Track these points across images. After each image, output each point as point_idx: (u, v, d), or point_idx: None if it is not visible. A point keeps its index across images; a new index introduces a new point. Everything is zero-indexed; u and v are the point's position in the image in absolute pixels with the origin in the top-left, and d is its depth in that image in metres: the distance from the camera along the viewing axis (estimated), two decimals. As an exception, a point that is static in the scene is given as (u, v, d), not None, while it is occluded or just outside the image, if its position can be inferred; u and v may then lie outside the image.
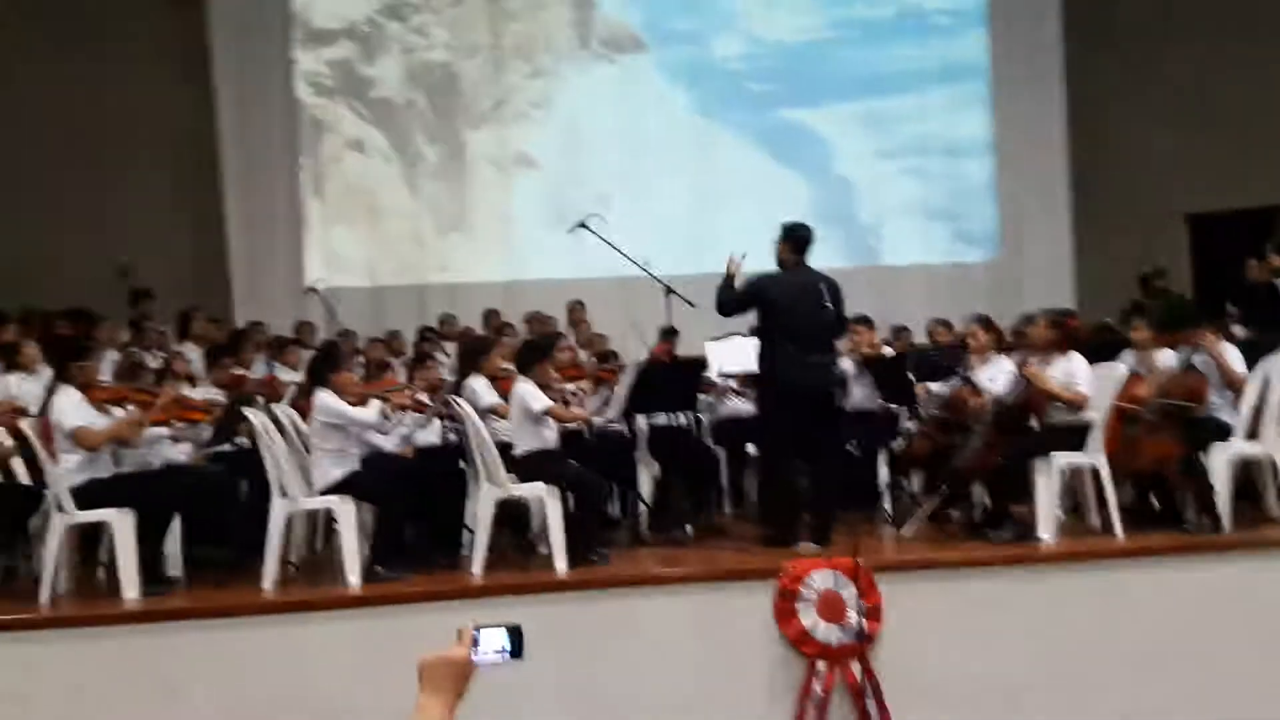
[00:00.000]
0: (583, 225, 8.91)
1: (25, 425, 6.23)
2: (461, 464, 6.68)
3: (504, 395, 6.85)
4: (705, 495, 7.73)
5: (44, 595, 5.87)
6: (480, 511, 6.30)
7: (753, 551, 6.54)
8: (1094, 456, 6.54)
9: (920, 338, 9.37)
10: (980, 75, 12.95)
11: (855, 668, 5.73)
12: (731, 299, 6.67)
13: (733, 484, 8.15)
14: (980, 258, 12.89)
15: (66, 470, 5.96)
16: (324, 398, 6.28)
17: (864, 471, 7.61)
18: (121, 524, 5.91)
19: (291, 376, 8.40)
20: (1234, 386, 6.80)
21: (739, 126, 12.77)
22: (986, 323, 7.54)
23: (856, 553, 5.79)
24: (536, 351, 6.92)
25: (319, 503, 6.30)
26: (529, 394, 6.54)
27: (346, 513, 6.13)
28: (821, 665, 5.74)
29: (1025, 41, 12.86)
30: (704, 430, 7.98)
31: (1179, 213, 12.21)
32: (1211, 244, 11.70)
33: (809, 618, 5.78)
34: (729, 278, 6.67)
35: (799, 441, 6.56)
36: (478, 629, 2.23)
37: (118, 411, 6.23)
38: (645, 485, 7.41)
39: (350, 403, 6.31)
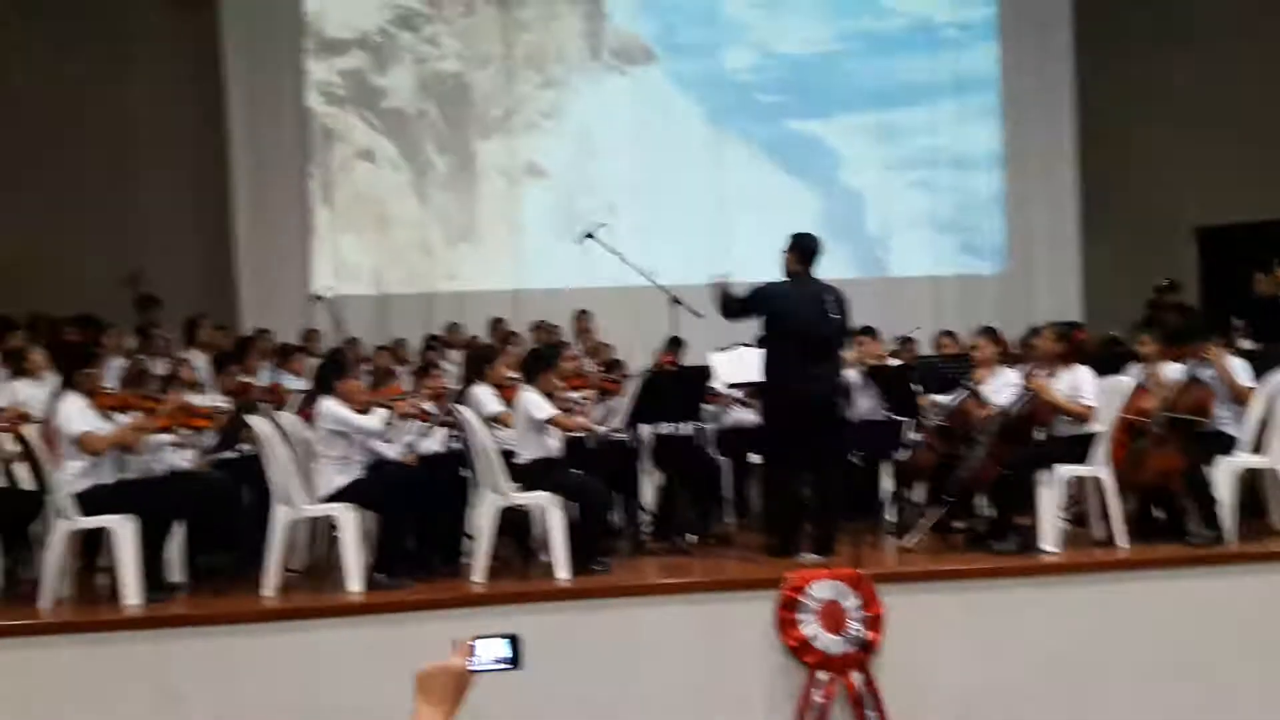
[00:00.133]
0: (589, 235, 8.91)
1: (29, 431, 6.25)
2: (464, 472, 6.68)
3: (508, 404, 6.86)
4: (708, 505, 7.72)
5: (45, 600, 5.89)
6: (483, 520, 6.30)
7: (755, 561, 6.53)
8: (1098, 468, 6.52)
9: (927, 349, 9.35)
10: (990, 88, 12.93)
11: (856, 678, 5.72)
12: (734, 302, 6.67)
13: (736, 494, 8.14)
14: (988, 270, 12.86)
15: (70, 476, 5.98)
16: (329, 405, 6.29)
17: (867, 482, 7.60)
18: (124, 530, 5.92)
19: (297, 384, 8.42)
20: (1240, 400, 6.78)
21: (748, 138, 12.78)
22: (992, 335, 7.53)
23: (859, 563, 5.78)
24: (541, 360, 6.93)
25: (321, 510, 6.31)
26: (533, 403, 6.55)
27: (348, 520, 6.14)
28: (822, 675, 5.73)
29: (1035, 54, 12.83)
30: (708, 440, 7.97)
31: (1188, 226, 12.17)
32: (1220, 257, 11.66)
33: (810, 627, 5.77)
34: (723, 293, 6.66)
35: (802, 451, 6.55)
36: (476, 639, 2.22)
37: (122, 418, 6.25)
38: (648, 494, 7.41)
39: (355, 410, 6.32)
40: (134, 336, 9.01)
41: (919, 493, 7.76)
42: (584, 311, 10.66)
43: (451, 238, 12.48)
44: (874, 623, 5.78)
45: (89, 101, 11.68)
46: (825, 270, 6.82)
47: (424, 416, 6.94)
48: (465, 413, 6.53)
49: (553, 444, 6.63)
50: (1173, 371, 6.96)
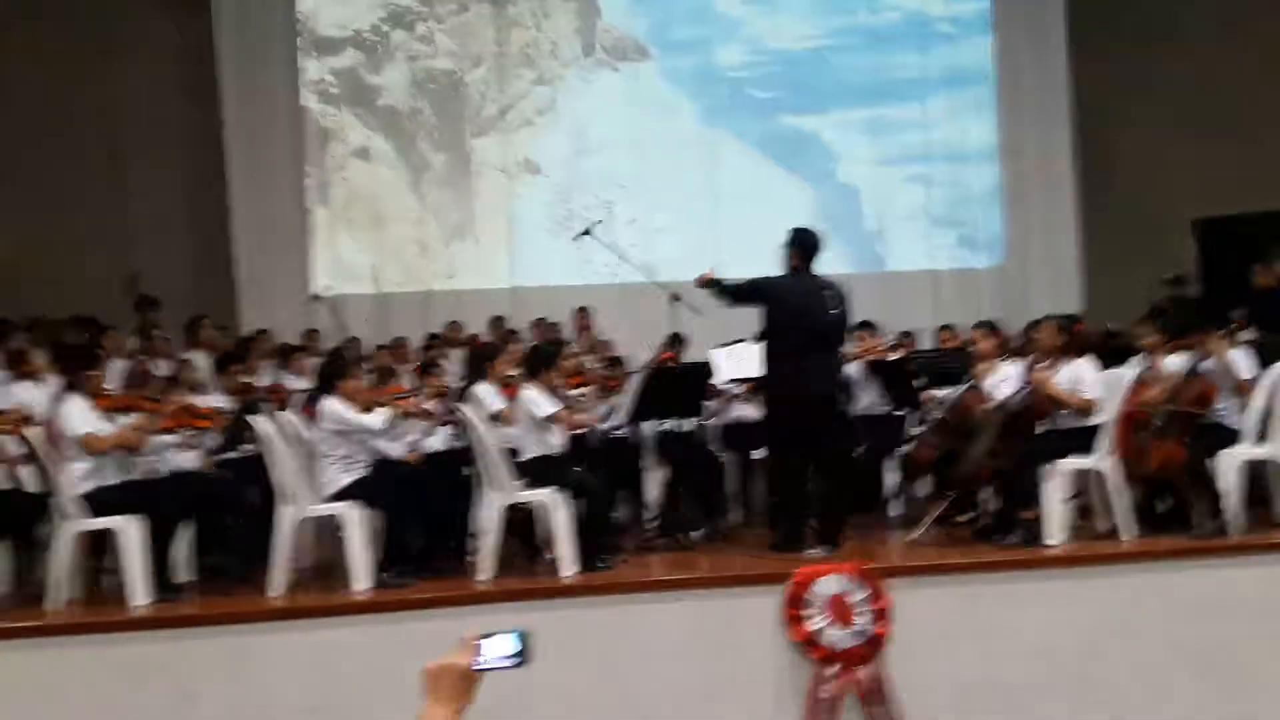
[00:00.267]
0: (586, 233, 8.92)
1: (32, 433, 6.24)
2: (468, 470, 6.68)
3: (510, 401, 6.86)
4: (712, 501, 7.73)
5: (53, 602, 5.88)
6: (487, 517, 6.30)
7: (760, 557, 6.53)
8: (1102, 460, 6.54)
9: (926, 344, 9.37)
10: (985, 81, 12.94)
11: (864, 672, 5.72)
12: (732, 291, 6.65)
13: (740, 489, 8.15)
14: (986, 264, 12.88)
15: (75, 478, 5.98)
16: (331, 404, 6.29)
17: (871, 476, 7.61)
18: (130, 531, 5.92)
19: (299, 384, 8.41)
20: (1242, 391, 6.79)
21: (743, 134, 12.78)
22: (990, 328, 7.54)
23: (865, 557, 5.79)
24: (542, 358, 6.93)
25: (326, 509, 6.30)
26: (535, 400, 6.55)
27: (353, 519, 6.14)
28: (830, 670, 5.74)
29: (1030, 47, 12.84)
30: (710, 436, 7.97)
31: (1186, 218, 12.19)
32: (1219, 249, 11.68)
33: (817, 622, 5.77)
34: (716, 284, 6.65)
35: (806, 446, 6.55)
36: (483, 636, 2.22)
37: (125, 419, 6.25)
38: (652, 491, 7.42)
39: (357, 409, 6.32)
40: (134, 338, 8.99)
41: (923, 487, 7.78)
42: (584, 308, 10.67)
43: (448, 235, 12.47)
44: (881, 616, 5.79)
45: (84, 103, 11.65)
46: (823, 266, 6.82)
47: (426, 415, 6.93)
48: (467, 411, 6.53)
49: (555, 441, 6.64)
50: (1174, 363, 6.98)
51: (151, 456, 6.45)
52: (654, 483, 7.43)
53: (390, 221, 12.42)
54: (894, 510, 7.47)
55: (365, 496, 6.24)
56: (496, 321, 10.74)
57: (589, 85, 12.66)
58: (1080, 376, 6.64)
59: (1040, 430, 6.77)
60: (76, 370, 6.25)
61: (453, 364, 8.82)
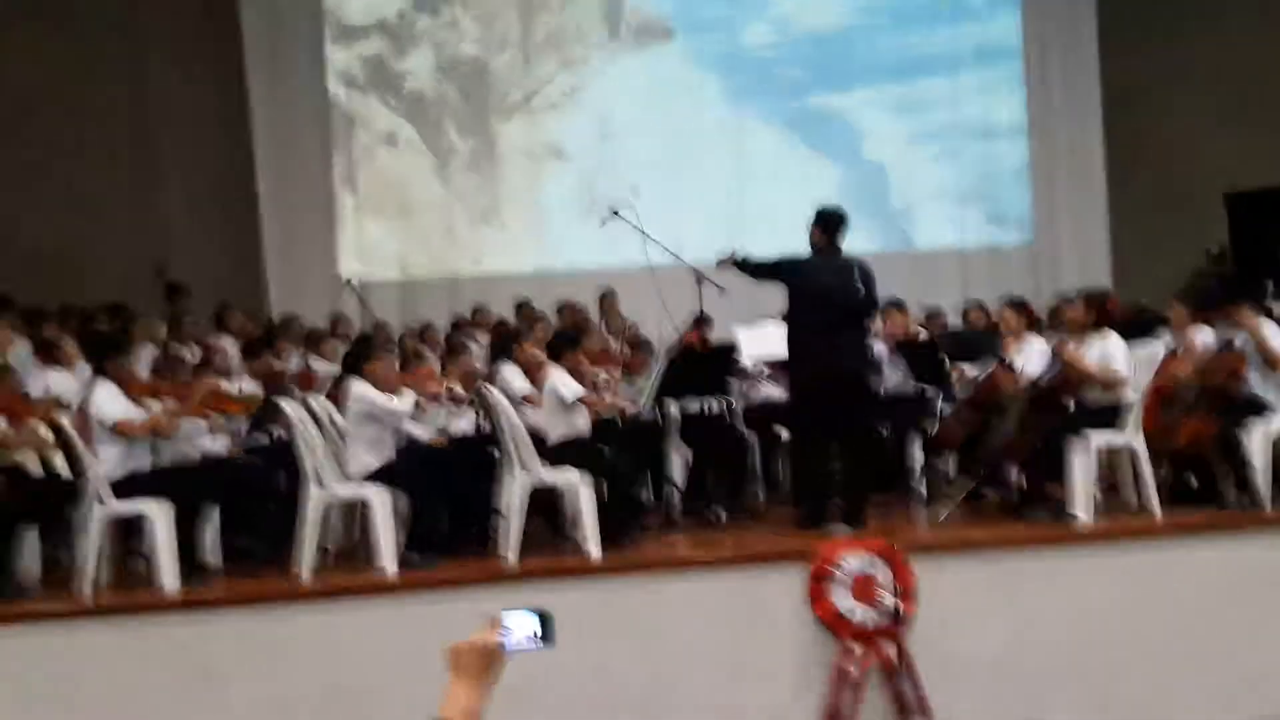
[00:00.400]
0: (615, 213, 8.90)
1: (64, 419, 6.31)
2: (494, 452, 6.70)
3: (536, 384, 6.88)
4: (737, 480, 7.72)
5: (84, 586, 5.95)
6: (513, 499, 6.33)
7: (785, 534, 6.53)
8: (1130, 435, 6.49)
9: (955, 321, 9.31)
10: (1014, 57, 12.81)
11: (890, 649, 5.72)
12: (756, 266, 6.65)
13: (765, 468, 8.13)
14: (1015, 240, 12.78)
15: (105, 463, 6.05)
16: (359, 388, 6.33)
17: (897, 454, 7.59)
18: (159, 515, 5.98)
19: (327, 368, 8.46)
20: (1273, 364, 6.71)
21: (770, 113, 12.72)
22: (1019, 305, 7.49)
23: (889, 534, 5.78)
24: (568, 340, 6.96)
25: (353, 491, 6.34)
26: (561, 382, 6.57)
27: (381, 501, 6.18)
28: (856, 646, 5.73)
29: (1060, 22, 12.70)
30: (736, 415, 7.96)
31: (1217, 191, 12.05)
32: (1250, 222, 11.54)
33: (842, 600, 5.77)
34: (737, 263, 6.64)
35: (830, 424, 6.54)
36: (508, 616, 2.23)
37: (155, 405, 6.31)
38: (677, 471, 7.42)
39: (384, 393, 6.35)
40: (164, 325, 9.08)
41: (950, 464, 7.74)
42: (609, 291, 10.66)
43: (475, 220, 12.49)
44: (906, 594, 5.78)
45: (112, 95, 11.73)
46: (849, 245, 6.80)
47: (453, 398, 6.96)
48: (494, 394, 6.55)
49: (581, 423, 6.65)
50: (1204, 337, 6.91)
51: (181, 442, 6.50)
52: (679, 463, 7.43)
53: (417, 207, 12.45)
54: (920, 487, 7.44)
55: (392, 479, 6.27)
56: (522, 305, 10.75)
57: (614, 68, 12.62)
58: (1110, 353, 6.59)
59: (1069, 407, 6.72)
60: (107, 357, 6.32)
61: (479, 348, 8.86)
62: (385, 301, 11.33)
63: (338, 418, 6.64)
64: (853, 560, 5.80)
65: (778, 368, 7.77)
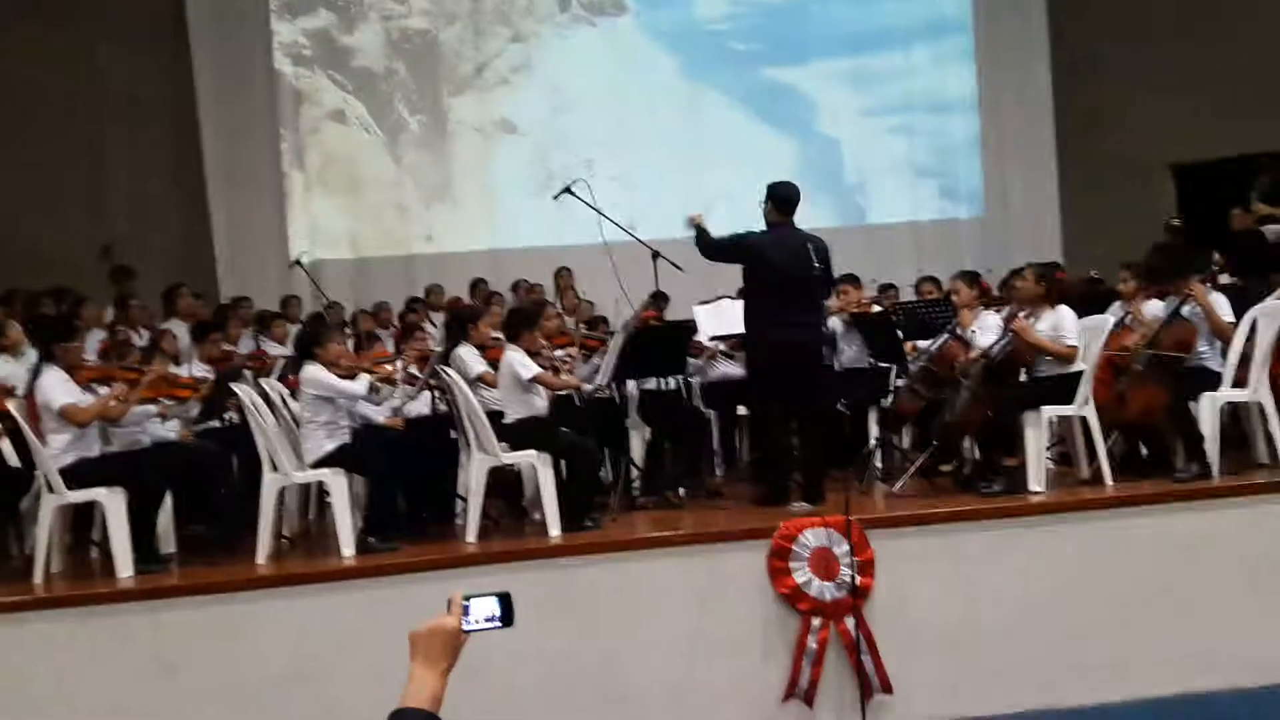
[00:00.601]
0: (567, 190, 8.84)
1: (12, 406, 6.21)
2: (452, 433, 6.67)
3: (493, 364, 6.84)
4: (696, 458, 7.74)
5: (38, 575, 5.87)
6: (472, 480, 6.30)
7: (745, 511, 6.55)
8: (1083, 408, 6.55)
9: (908, 295, 9.35)
10: (964, 30, 12.87)
11: (849, 623, 5.76)
12: (714, 243, 6.65)
13: (724, 446, 8.16)
14: (967, 214, 12.87)
15: (55, 450, 5.95)
16: (312, 371, 6.27)
17: (855, 429, 7.63)
18: (113, 502, 5.90)
19: (279, 350, 8.38)
20: (1222, 335, 6.80)
21: (723, 87, 12.70)
22: (971, 278, 7.54)
23: (848, 510, 5.81)
24: (524, 319, 6.92)
25: (310, 476, 6.29)
26: (518, 362, 6.54)
27: (338, 485, 6.13)
28: (816, 621, 5.76)
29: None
30: (694, 393, 7.97)
31: (1165, 163, 12.17)
32: (1198, 194, 11.67)
33: (803, 575, 5.80)
34: (700, 231, 6.65)
35: (789, 401, 6.56)
36: (467, 598, 2.23)
37: (104, 390, 6.22)
38: (636, 450, 7.42)
39: (339, 375, 6.30)
40: (112, 308, 8.94)
41: (906, 438, 7.80)
42: (564, 269, 10.62)
43: (427, 197, 12.39)
44: (865, 568, 5.82)
45: (57, 73, 11.50)
46: (805, 219, 6.80)
47: (409, 379, 6.92)
48: (450, 374, 6.51)
49: (539, 403, 6.63)
50: (1154, 308, 6.99)
51: (133, 427, 6.41)
52: (638, 441, 7.43)
53: (367, 185, 12.34)
54: (877, 462, 7.49)
55: (349, 462, 6.23)
56: (477, 284, 10.68)
57: (566, 41, 12.55)
58: (1061, 324, 6.64)
59: (1022, 379, 6.79)
60: (54, 342, 6.21)
61: (435, 328, 8.80)
62: (337, 281, 11.24)
63: (291, 401, 6.58)
64: (812, 536, 5.83)
65: (735, 345, 7.79)
